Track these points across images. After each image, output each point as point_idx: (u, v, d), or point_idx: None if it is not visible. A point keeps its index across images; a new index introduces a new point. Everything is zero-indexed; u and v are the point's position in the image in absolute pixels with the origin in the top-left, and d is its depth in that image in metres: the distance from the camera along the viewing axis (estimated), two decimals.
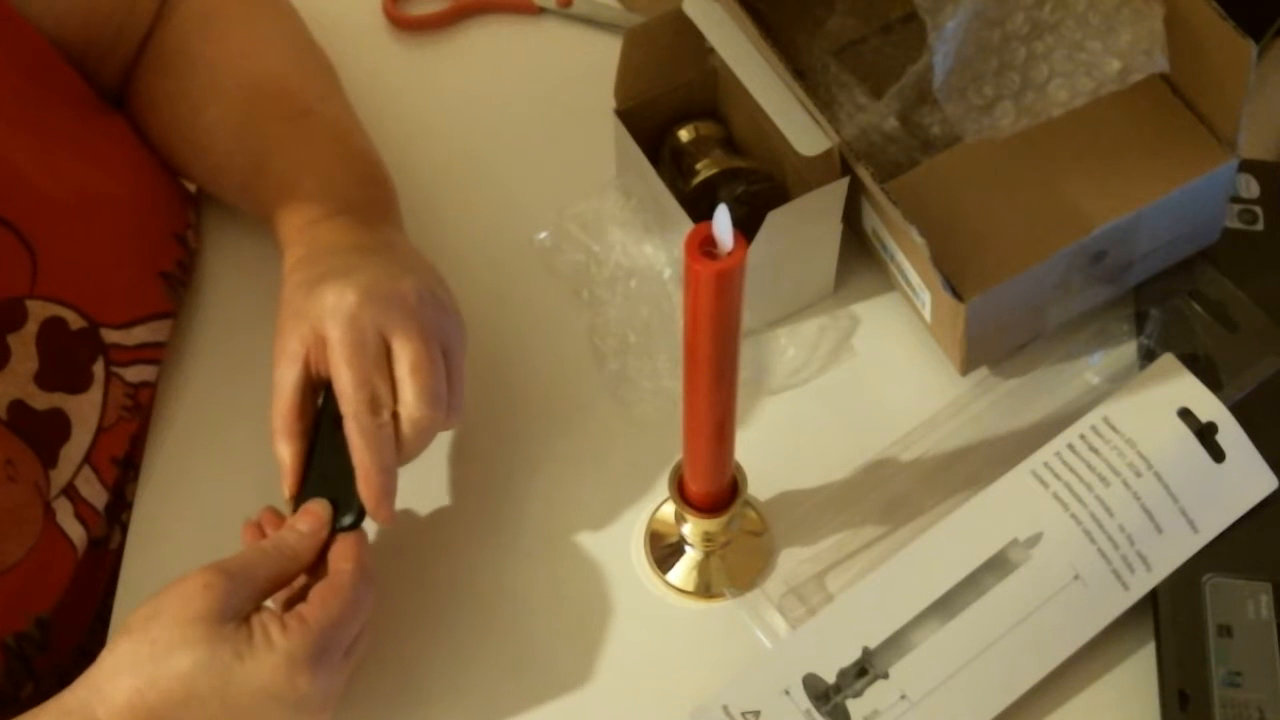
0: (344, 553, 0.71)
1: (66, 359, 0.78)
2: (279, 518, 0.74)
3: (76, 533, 0.78)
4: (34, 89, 0.79)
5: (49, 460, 0.77)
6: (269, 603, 0.70)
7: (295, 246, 0.78)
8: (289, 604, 0.70)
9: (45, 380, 0.77)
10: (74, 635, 0.75)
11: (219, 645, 0.66)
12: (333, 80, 0.90)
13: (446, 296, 0.77)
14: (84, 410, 0.79)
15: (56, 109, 0.80)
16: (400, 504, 0.73)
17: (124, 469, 0.82)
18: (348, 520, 0.72)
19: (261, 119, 0.84)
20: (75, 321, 0.79)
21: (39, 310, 0.77)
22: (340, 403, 0.72)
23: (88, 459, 0.79)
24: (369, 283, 0.73)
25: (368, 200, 0.83)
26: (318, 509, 0.72)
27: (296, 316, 0.74)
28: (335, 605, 0.69)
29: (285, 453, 0.73)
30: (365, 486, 0.71)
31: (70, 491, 0.78)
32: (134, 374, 0.82)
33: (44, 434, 0.77)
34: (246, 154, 0.84)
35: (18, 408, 0.75)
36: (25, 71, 0.78)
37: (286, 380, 0.73)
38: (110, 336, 0.81)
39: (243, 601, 0.68)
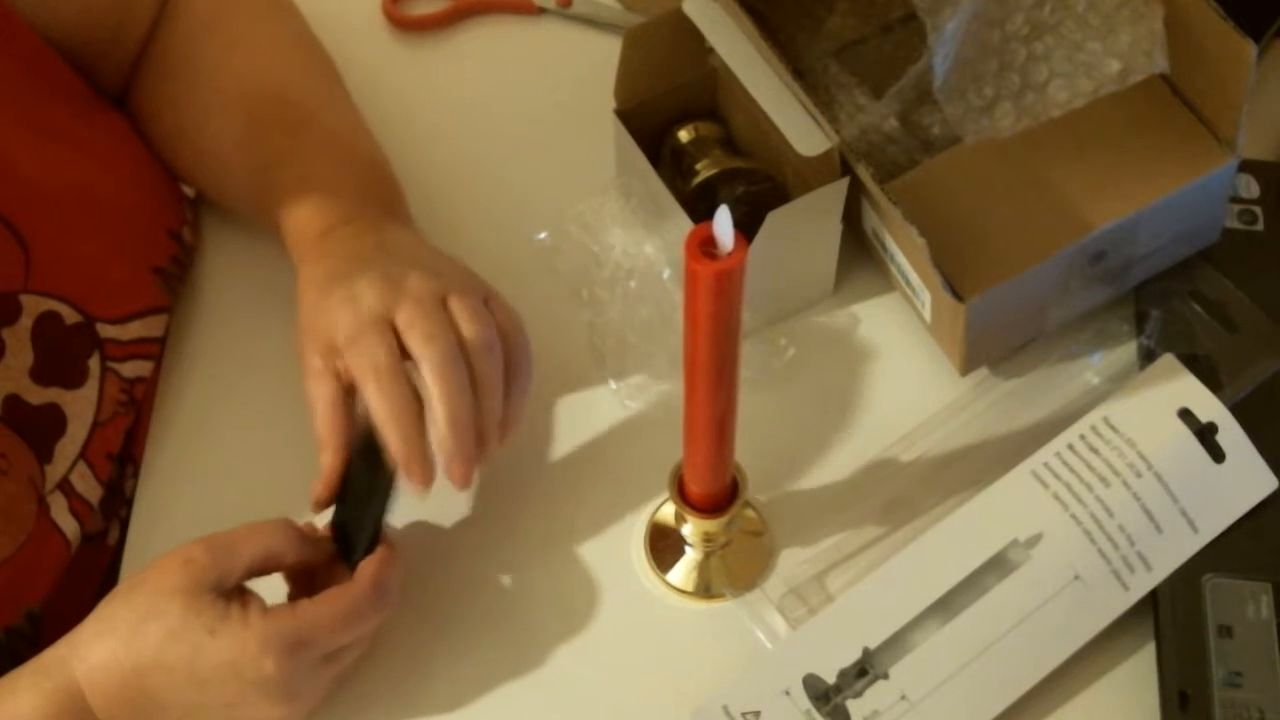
0: (367, 569, 0.71)
1: (62, 353, 0.78)
2: None
3: (70, 527, 0.78)
4: (30, 83, 0.79)
5: (44, 455, 0.77)
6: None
7: (303, 264, 0.78)
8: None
9: (41, 375, 0.77)
10: (66, 630, 0.75)
11: (191, 618, 0.67)
12: (334, 81, 0.90)
13: (453, 269, 0.77)
14: (79, 405, 0.79)
15: (53, 104, 0.80)
16: (401, 504, 0.74)
17: (118, 464, 0.82)
18: (364, 538, 0.73)
19: (264, 130, 0.84)
20: (71, 316, 0.79)
21: (33, 305, 0.77)
22: (373, 416, 0.71)
23: (83, 454, 0.79)
24: (371, 297, 0.72)
25: (370, 202, 0.82)
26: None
27: (310, 332, 0.74)
28: (331, 608, 0.69)
29: (326, 461, 0.73)
30: (405, 469, 0.71)
31: (65, 486, 0.78)
32: (129, 369, 0.82)
33: (39, 429, 0.77)
34: (250, 166, 0.84)
35: (12, 402, 0.75)
36: (22, 66, 0.78)
37: (318, 396, 0.73)
38: (106, 331, 0.81)
39: (223, 577, 0.69)
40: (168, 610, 0.68)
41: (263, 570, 0.71)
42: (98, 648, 0.68)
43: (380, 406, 0.70)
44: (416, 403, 0.70)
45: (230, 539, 0.70)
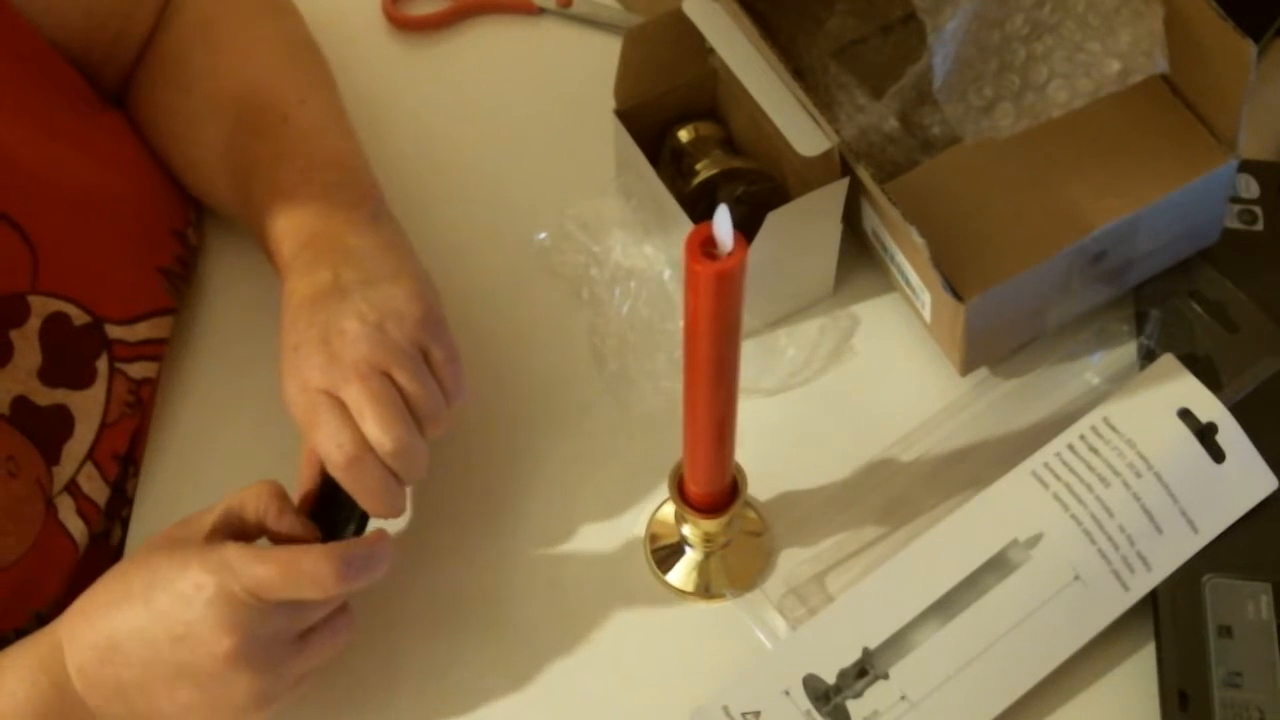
0: (362, 540, 0.71)
1: (70, 355, 0.78)
2: None
3: (78, 529, 0.78)
4: (36, 85, 0.79)
5: (52, 457, 0.77)
6: None
7: (284, 282, 0.78)
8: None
9: (49, 376, 0.77)
10: None
11: (162, 548, 0.69)
12: (316, 76, 0.88)
13: (395, 287, 0.76)
14: (87, 406, 0.79)
15: (58, 105, 0.80)
16: None
17: (124, 465, 0.82)
18: (350, 530, 0.74)
19: (243, 137, 0.83)
20: (79, 317, 0.79)
21: (41, 306, 0.77)
22: (351, 494, 0.73)
23: (90, 455, 0.79)
24: (318, 378, 0.72)
25: (335, 209, 0.80)
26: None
27: (286, 364, 0.75)
28: (286, 561, 0.67)
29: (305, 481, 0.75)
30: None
31: (72, 488, 0.78)
32: (137, 370, 0.82)
33: (47, 430, 0.77)
34: (232, 176, 0.84)
35: (20, 404, 0.75)
36: (27, 68, 0.78)
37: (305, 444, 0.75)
38: (114, 332, 0.81)
39: (200, 518, 0.70)
40: (148, 557, 0.69)
41: (240, 515, 0.70)
42: (82, 599, 0.70)
43: (358, 491, 0.72)
44: (385, 471, 0.72)
45: (209, 511, 0.71)
